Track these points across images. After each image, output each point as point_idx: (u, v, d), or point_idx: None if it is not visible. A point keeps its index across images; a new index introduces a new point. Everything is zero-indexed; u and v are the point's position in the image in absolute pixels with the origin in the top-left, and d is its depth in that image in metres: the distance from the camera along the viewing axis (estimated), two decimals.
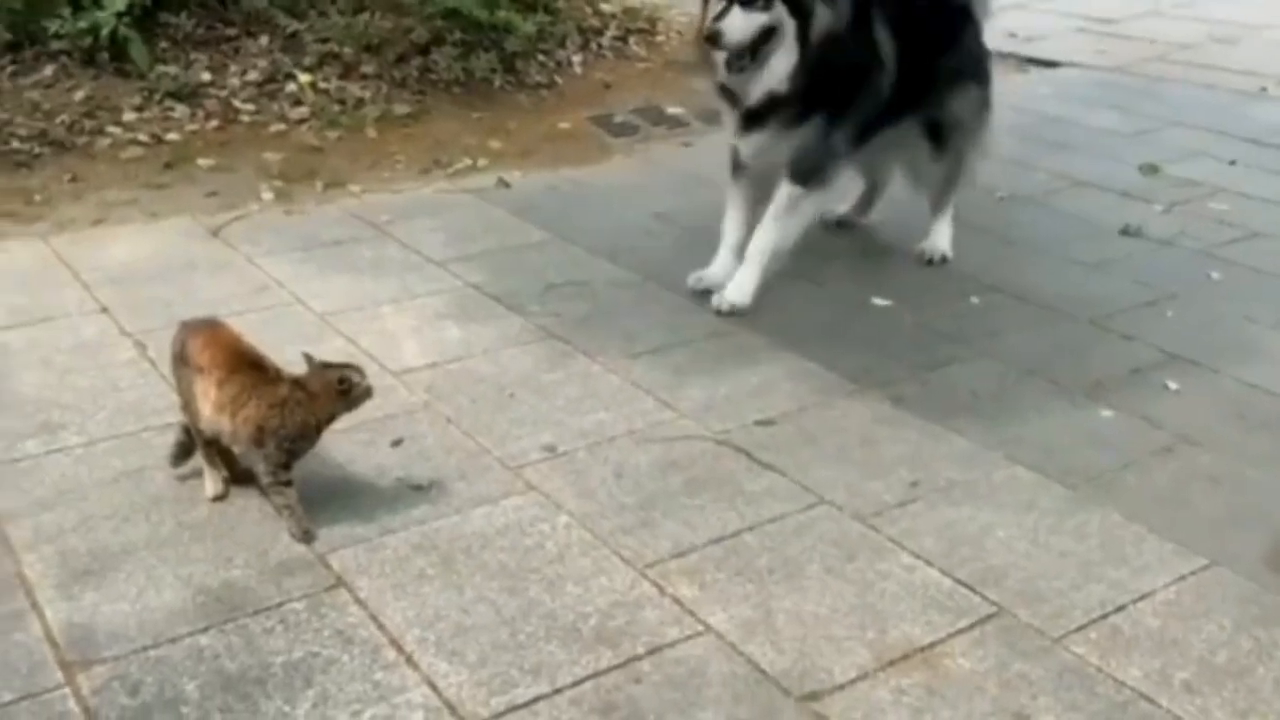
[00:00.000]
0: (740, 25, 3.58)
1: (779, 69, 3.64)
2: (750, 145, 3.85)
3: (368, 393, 2.72)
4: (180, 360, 2.78)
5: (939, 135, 4.23)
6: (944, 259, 4.31)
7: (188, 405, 2.78)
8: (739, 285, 3.85)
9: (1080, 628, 2.47)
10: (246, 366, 2.71)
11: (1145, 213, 4.79)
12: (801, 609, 2.50)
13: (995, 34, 6.69)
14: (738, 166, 4.00)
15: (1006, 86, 6.53)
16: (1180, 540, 2.74)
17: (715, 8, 3.63)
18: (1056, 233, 4.64)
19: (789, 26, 3.60)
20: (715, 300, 3.84)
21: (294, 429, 2.66)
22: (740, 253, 4.02)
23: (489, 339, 3.68)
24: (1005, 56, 7.07)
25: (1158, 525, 2.79)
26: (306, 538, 2.68)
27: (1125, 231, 4.61)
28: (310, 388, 2.65)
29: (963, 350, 3.68)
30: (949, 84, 4.16)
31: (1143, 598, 2.56)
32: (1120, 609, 2.52)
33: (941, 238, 4.35)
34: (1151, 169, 5.31)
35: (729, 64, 3.67)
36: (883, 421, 3.25)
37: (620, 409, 3.28)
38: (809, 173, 3.82)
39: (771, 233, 3.87)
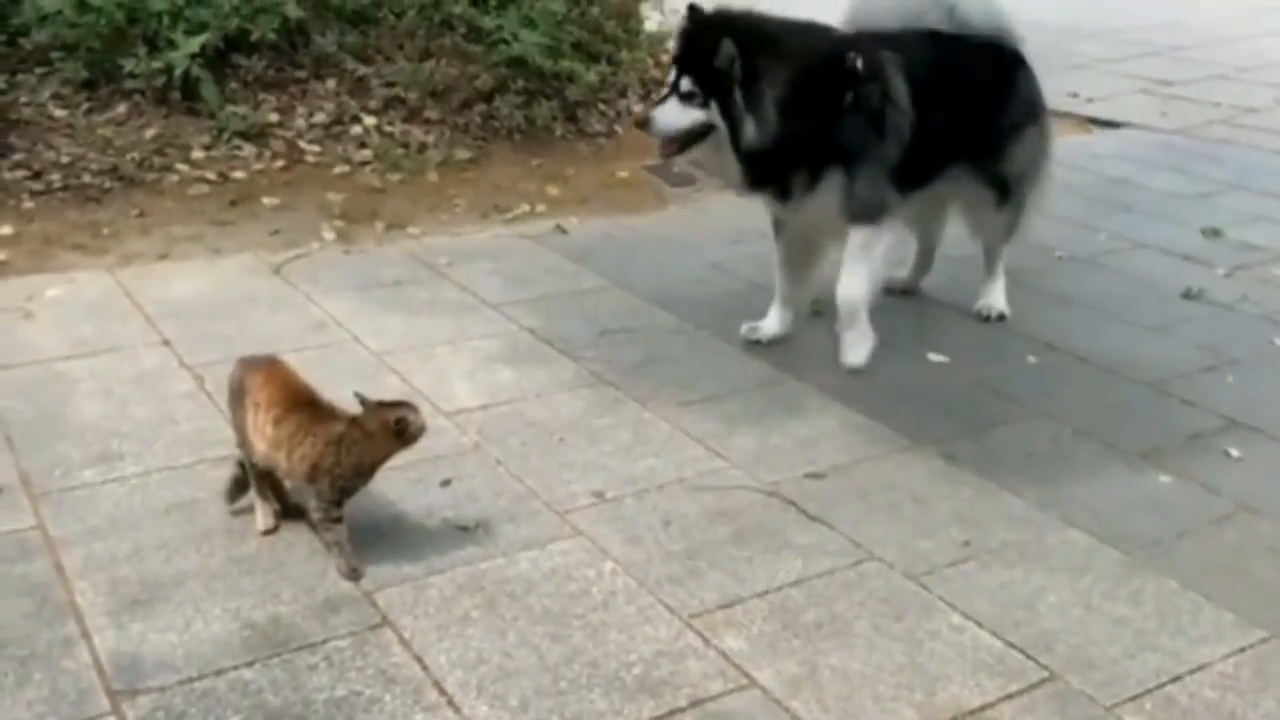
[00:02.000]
0: (672, 117, 3.59)
1: (731, 167, 3.64)
2: (788, 212, 3.86)
3: (422, 430, 2.73)
4: (237, 396, 2.82)
5: (1004, 187, 4.21)
6: (1001, 316, 4.28)
7: (244, 440, 2.82)
8: (853, 345, 3.81)
9: (1134, 697, 2.41)
10: (303, 404, 2.73)
11: (1207, 276, 4.73)
12: (848, 666, 2.47)
13: (1058, 94, 6.69)
14: (779, 223, 4.01)
15: (1068, 146, 6.51)
16: (1239, 611, 2.68)
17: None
18: (1116, 294, 4.58)
19: (723, 129, 3.56)
20: (847, 362, 3.80)
21: (349, 468, 2.67)
22: (791, 304, 4.01)
23: (541, 382, 3.69)
24: (1067, 116, 7.05)
25: (1216, 595, 2.73)
26: (354, 575, 2.69)
27: (1187, 295, 4.56)
28: (366, 427, 2.67)
29: (1018, 409, 3.63)
30: (1009, 136, 4.14)
31: (1199, 669, 2.50)
32: (1176, 679, 2.46)
33: (997, 295, 4.33)
34: (1214, 232, 5.25)
35: (660, 151, 3.70)
36: (935, 478, 3.21)
37: (670, 457, 3.27)
38: (865, 210, 3.76)
39: (854, 280, 3.80)
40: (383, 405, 2.71)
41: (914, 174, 3.87)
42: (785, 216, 3.92)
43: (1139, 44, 9.26)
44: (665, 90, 3.64)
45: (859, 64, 3.65)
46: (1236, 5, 10.74)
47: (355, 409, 2.71)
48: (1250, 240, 5.17)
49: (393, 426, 2.68)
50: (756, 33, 3.57)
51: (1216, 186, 5.98)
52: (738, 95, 3.50)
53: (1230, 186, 5.98)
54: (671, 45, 3.79)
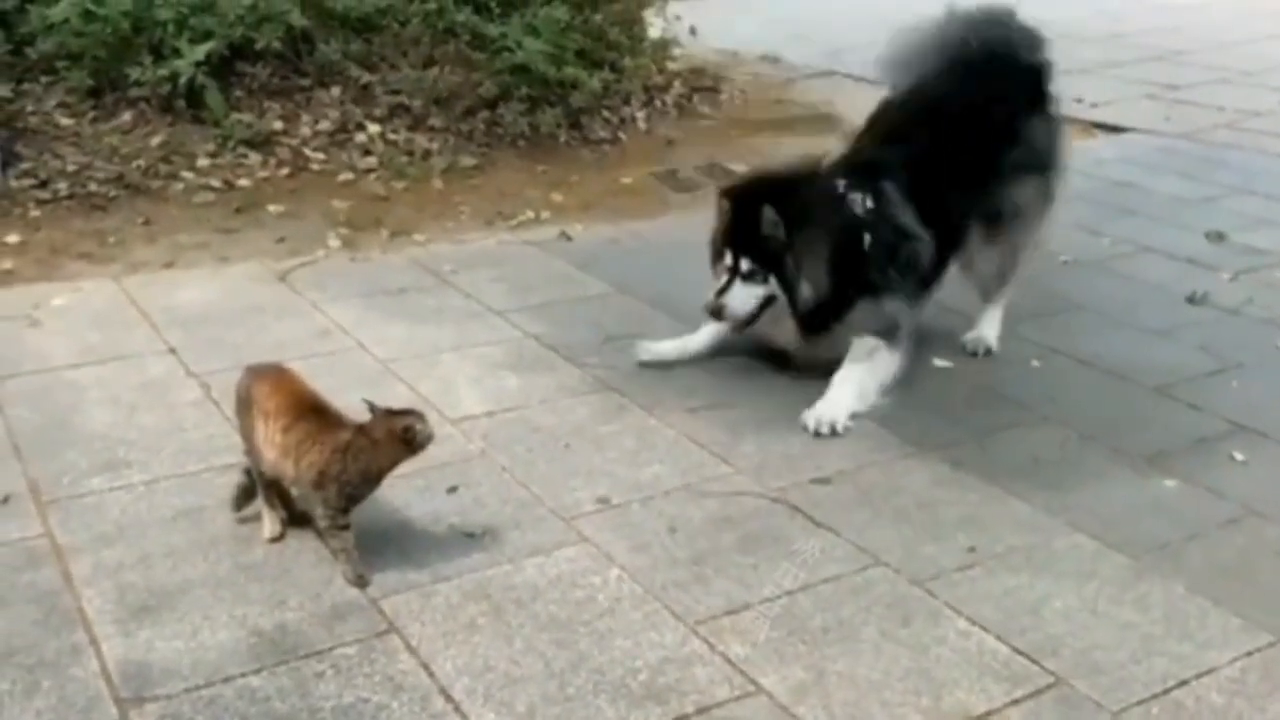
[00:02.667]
0: (742, 299, 3.65)
1: (789, 329, 3.71)
2: (808, 348, 3.76)
3: (429, 439, 2.74)
4: (244, 404, 2.82)
5: (993, 222, 4.02)
6: (988, 351, 4.08)
7: (251, 449, 2.82)
8: (834, 404, 3.55)
9: (1141, 701, 2.41)
10: (311, 412, 2.74)
11: (1211, 280, 4.73)
12: (855, 672, 2.47)
13: (1062, 99, 6.66)
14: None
15: (1073, 151, 6.51)
16: (1246, 615, 2.67)
17: (719, 279, 3.68)
18: (1121, 298, 4.59)
19: (783, 297, 3.64)
20: (811, 421, 3.50)
21: (356, 475, 2.68)
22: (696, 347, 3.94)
23: (546, 389, 3.70)
24: (1072, 121, 7.04)
25: (1223, 599, 2.73)
26: (360, 582, 2.69)
27: (1191, 299, 4.55)
28: (374, 434, 2.68)
29: (1023, 414, 3.64)
30: (1010, 176, 3.99)
31: (1207, 673, 2.49)
32: (1183, 684, 2.46)
33: (990, 329, 4.12)
34: (1218, 236, 5.25)
35: (734, 329, 3.77)
36: (941, 484, 3.21)
37: (675, 463, 3.28)
38: (883, 331, 3.70)
39: (856, 375, 3.64)
40: (390, 413, 2.72)
41: (931, 280, 3.89)
42: (815, 353, 3.78)
43: (1143, 49, 9.26)
44: (724, 275, 3.67)
45: (866, 204, 3.68)
46: (1240, 9, 10.73)
47: (362, 416, 2.72)
48: (1255, 244, 5.17)
49: (400, 435, 2.68)
50: (784, 192, 3.62)
51: (1221, 191, 5.98)
52: (789, 260, 3.58)
53: (1235, 191, 5.98)
54: (718, 216, 3.74)
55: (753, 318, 3.70)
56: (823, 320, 3.70)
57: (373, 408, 2.71)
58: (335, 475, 2.66)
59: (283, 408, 2.74)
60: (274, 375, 2.84)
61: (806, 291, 3.62)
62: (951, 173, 3.83)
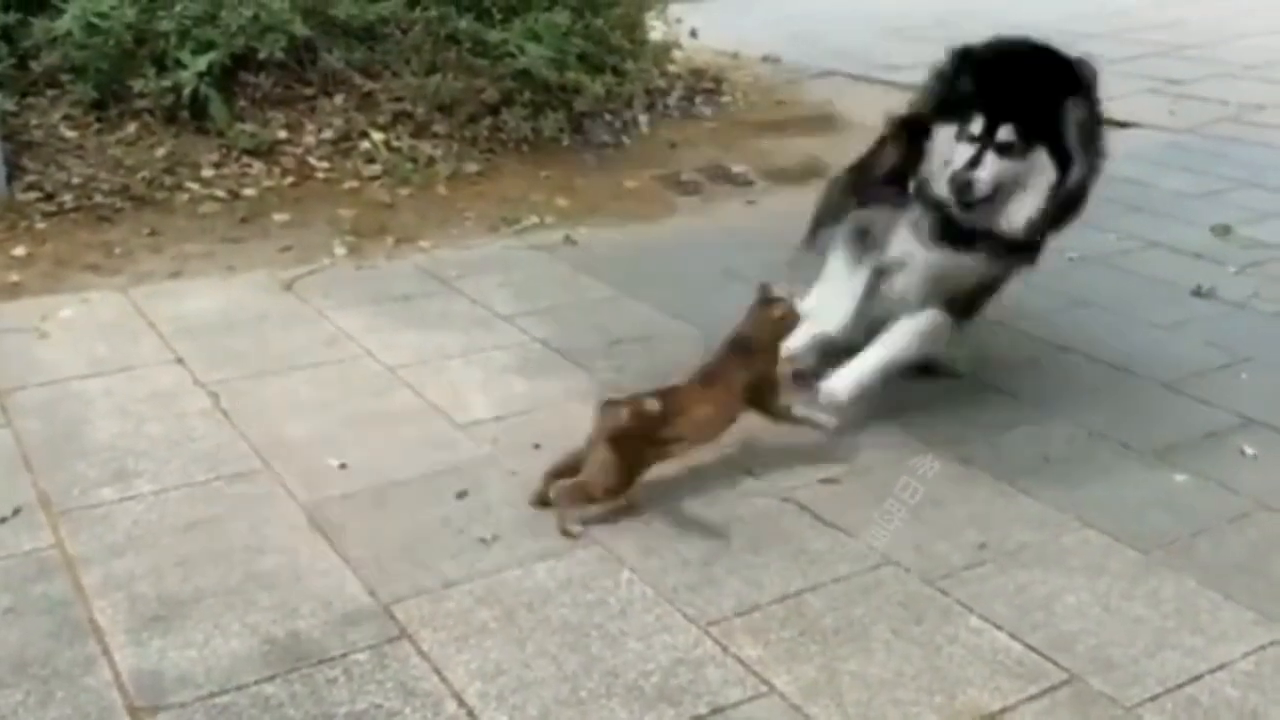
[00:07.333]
0: (995, 175, 3.14)
1: (1017, 216, 3.22)
2: (931, 260, 3.35)
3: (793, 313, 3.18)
4: (644, 431, 2.99)
5: None
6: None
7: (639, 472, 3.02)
8: (845, 372, 3.42)
9: (1155, 697, 2.40)
10: (694, 394, 3.09)
11: (1218, 274, 4.72)
12: (867, 672, 2.46)
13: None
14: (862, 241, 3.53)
15: None
16: (1259, 609, 2.67)
17: (959, 151, 3.17)
18: (1128, 294, 4.58)
19: (1044, 176, 3.16)
20: (828, 386, 3.39)
21: (771, 369, 3.20)
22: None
23: (554, 393, 3.70)
24: None
25: (1235, 593, 2.72)
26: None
27: (1198, 293, 4.55)
28: (754, 342, 3.16)
29: (1032, 411, 3.63)
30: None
31: (1220, 667, 2.49)
32: (1196, 679, 2.46)
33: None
34: (1224, 230, 5.24)
35: (965, 207, 3.20)
36: (951, 481, 3.21)
37: (683, 464, 3.27)
38: (965, 310, 3.44)
39: (900, 346, 3.46)
40: (768, 302, 3.16)
41: None
42: (921, 278, 3.42)
43: (1145, 44, 9.25)
44: (969, 146, 3.15)
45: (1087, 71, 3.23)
46: (1241, 4, 10.72)
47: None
48: (1260, 238, 5.16)
49: (774, 322, 3.16)
50: (1055, 53, 3.18)
51: (1226, 184, 5.97)
52: (1071, 132, 3.12)
53: (1240, 184, 5.97)
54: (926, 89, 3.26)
55: (993, 199, 3.15)
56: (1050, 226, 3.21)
57: (760, 300, 3.16)
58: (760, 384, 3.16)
59: (681, 405, 3.04)
60: (650, 402, 3.02)
61: (1080, 167, 3.11)
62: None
